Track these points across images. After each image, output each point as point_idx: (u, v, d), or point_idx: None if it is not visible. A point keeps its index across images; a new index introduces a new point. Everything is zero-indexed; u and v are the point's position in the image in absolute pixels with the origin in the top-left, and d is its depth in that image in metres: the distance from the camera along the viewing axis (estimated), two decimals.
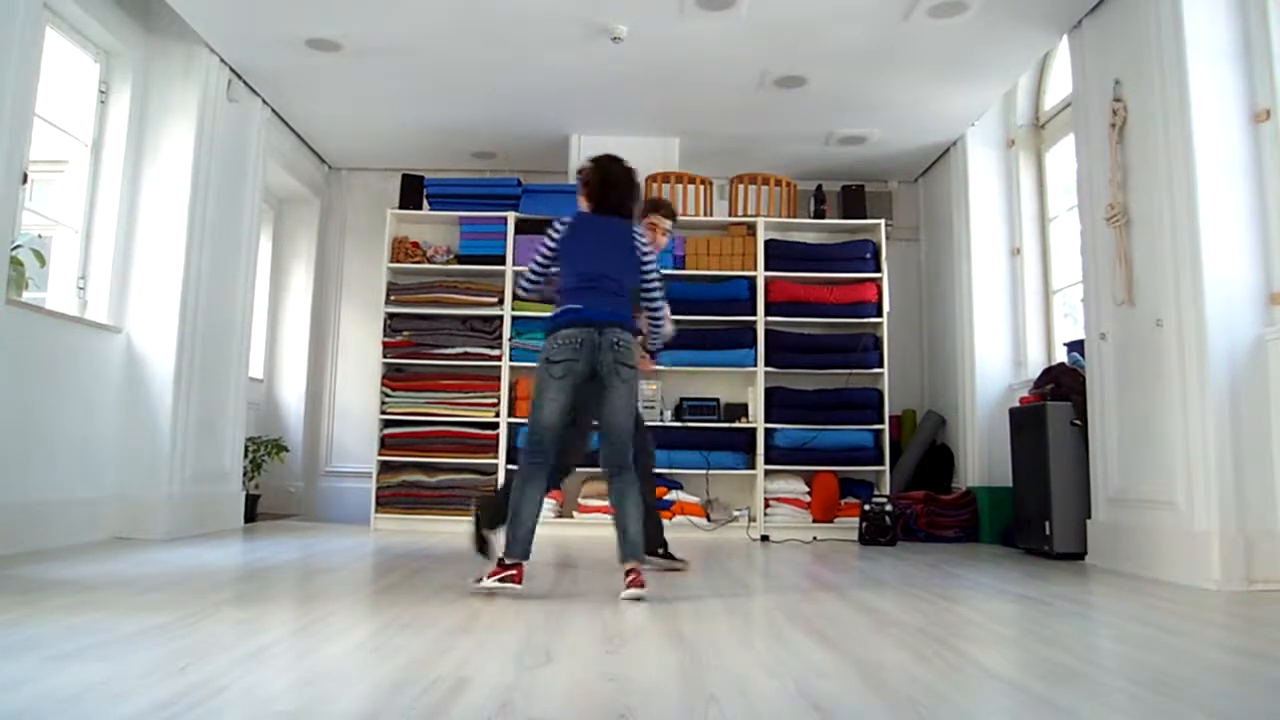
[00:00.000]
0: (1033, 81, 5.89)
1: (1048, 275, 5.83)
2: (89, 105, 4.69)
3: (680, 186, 6.09)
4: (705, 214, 6.13)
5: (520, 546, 3.04)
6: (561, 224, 3.26)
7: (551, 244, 3.24)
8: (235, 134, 5.36)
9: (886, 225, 6.30)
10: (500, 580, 2.98)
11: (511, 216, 6.00)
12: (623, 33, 4.72)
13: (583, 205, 3.36)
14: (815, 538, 5.56)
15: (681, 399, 5.94)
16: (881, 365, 5.97)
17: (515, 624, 2.53)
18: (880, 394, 5.95)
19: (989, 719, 1.75)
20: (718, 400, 5.90)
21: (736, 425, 5.87)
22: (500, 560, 3.05)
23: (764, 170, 6.40)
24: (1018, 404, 5.10)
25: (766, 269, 6.01)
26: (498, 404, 5.85)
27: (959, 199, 6.18)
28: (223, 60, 5.13)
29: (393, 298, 5.98)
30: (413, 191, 6.19)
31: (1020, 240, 5.93)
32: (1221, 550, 3.44)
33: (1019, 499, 4.90)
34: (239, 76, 5.34)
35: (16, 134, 3.74)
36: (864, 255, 6.09)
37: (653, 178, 6.08)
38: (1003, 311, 5.95)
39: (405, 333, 5.93)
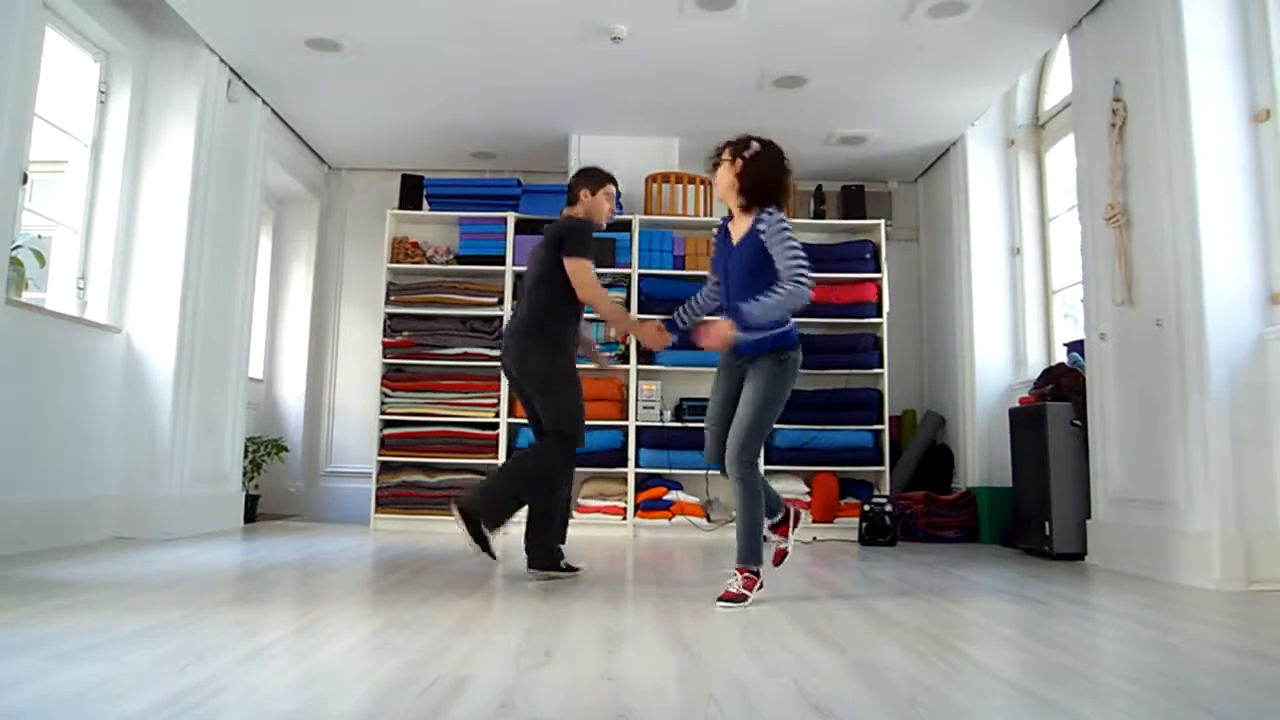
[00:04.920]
0: (1033, 81, 5.89)
1: (1048, 275, 5.82)
2: (89, 105, 4.69)
3: (680, 186, 6.09)
4: (705, 214, 6.12)
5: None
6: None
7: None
8: (235, 134, 5.36)
9: (886, 225, 6.30)
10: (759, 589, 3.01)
11: (511, 217, 6.00)
12: (623, 33, 4.72)
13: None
14: (815, 538, 5.56)
15: (681, 399, 5.94)
16: (881, 365, 5.97)
17: (515, 624, 2.53)
18: (880, 394, 5.95)
19: (989, 719, 1.75)
20: None
21: None
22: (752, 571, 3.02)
23: None
24: (1018, 404, 5.10)
25: None
26: (497, 404, 5.84)
27: (959, 199, 6.18)
28: (223, 60, 5.13)
29: (393, 298, 5.98)
30: (413, 192, 6.20)
31: (1020, 240, 5.92)
32: (1221, 550, 3.44)
33: (1019, 499, 4.90)
34: (239, 76, 5.34)
35: (16, 134, 3.75)
36: (864, 255, 6.09)
37: (652, 178, 6.08)
38: (1003, 311, 5.94)
39: (405, 333, 5.94)
